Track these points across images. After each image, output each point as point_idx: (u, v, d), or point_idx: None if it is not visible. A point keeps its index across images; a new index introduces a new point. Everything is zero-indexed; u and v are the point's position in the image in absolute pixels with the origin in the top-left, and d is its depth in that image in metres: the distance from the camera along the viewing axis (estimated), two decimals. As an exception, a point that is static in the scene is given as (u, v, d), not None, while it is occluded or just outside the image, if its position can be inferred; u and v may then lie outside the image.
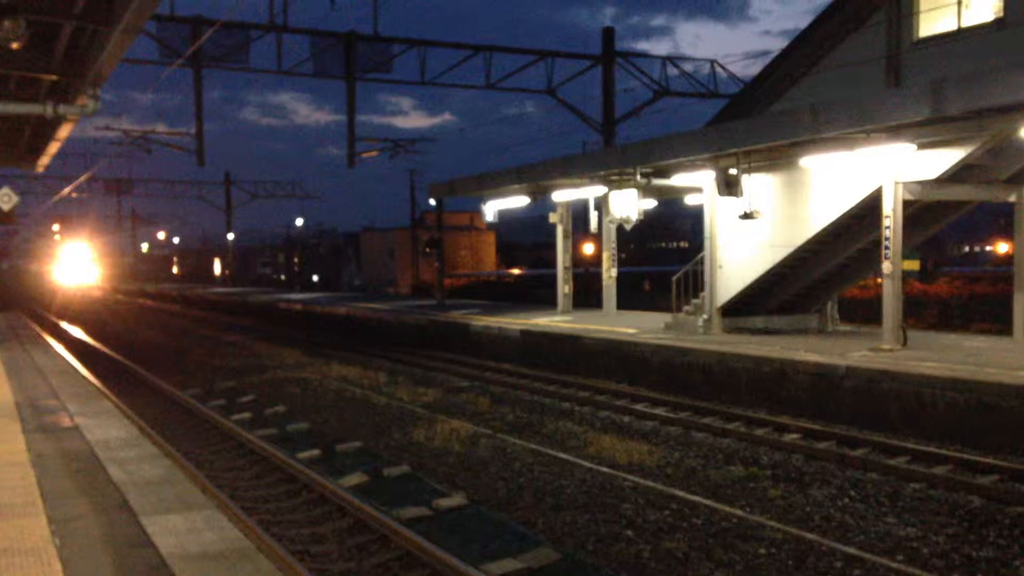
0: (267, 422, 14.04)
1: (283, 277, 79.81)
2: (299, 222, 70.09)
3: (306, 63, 24.32)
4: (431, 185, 28.71)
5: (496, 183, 24.94)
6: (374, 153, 26.95)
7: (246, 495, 9.58)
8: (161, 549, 5.52)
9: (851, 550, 7.76)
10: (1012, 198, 16.58)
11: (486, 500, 9.44)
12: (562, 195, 24.07)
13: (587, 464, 10.82)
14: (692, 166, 18.83)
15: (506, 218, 27.78)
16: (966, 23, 18.97)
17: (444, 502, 9.15)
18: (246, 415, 14.57)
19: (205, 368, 21.04)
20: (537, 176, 23.10)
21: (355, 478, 10.17)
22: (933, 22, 19.44)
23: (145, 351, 24.41)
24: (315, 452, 11.62)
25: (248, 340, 27.73)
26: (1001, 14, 18.09)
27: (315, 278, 75.60)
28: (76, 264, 57.03)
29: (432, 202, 29.61)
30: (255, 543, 7.14)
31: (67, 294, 49.07)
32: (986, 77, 12.82)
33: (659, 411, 14.45)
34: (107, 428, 9.41)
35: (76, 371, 15.06)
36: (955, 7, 19.03)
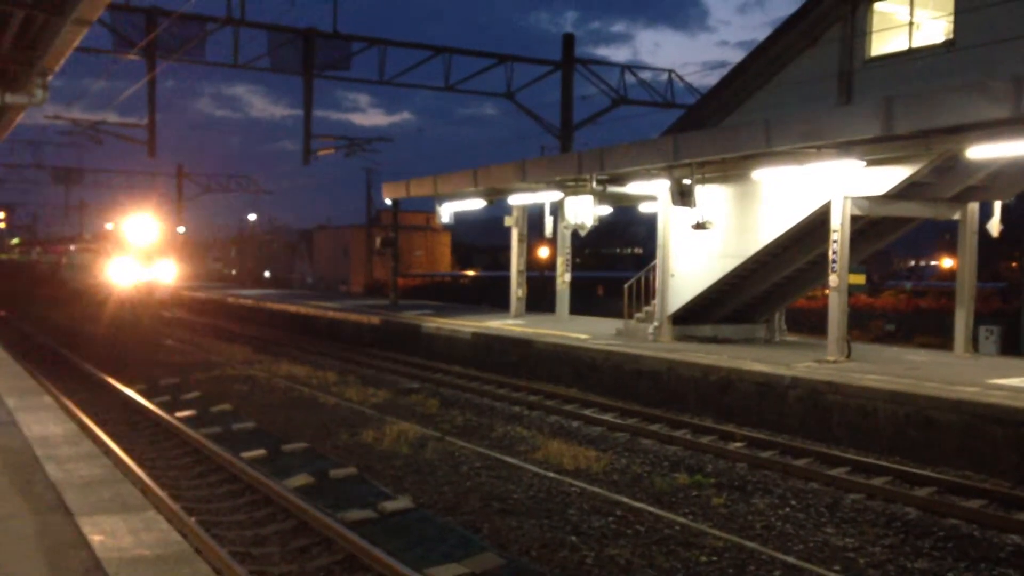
0: (212, 420, 13.85)
1: (234, 272, 78.80)
2: (252, 217, 69.28)
3: (263, 58, 24.04)
4: (386, 184, 28.57)
5: (452, 185, 24.91)
6: (330, 151, 26.72)
7: (188, 495, 9.45)
8: (97, 551, 5.42)
9: (790, 559, 7.89)
10: (956, 216, 17.00)
11: (432, 504, 9.42)
12: (518, 199, 24.11)
13: (534, 469, 10.85)
14: (647, 175, 19.00)
15: (463, 219, 27.72)
16: (918, 43, 19.40)
17: (390, 505, 9.11)
18: (190, 412, 14.36)
19: (150, 363, 20.69)
20: (493, 179, 23.11)
21: (300, 479, 10.08)
22: (885, 42, 19.85)
23: (87, 345, 23.94)
24: (260, 452, 11.49)
25: (195, 335, 27.32)
26: (952, 36, 18.54)
27: (267, 274, 74.76)
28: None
29: (388, 201, 29.42)
30: (194, 545, 7.04)
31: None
32: (934, 98, 13.13)
33: (608, 417, 14.55)
34: (46, 424, 9.21)
35: (11, 362, 14.71)
36: (907, 28, 19.46)
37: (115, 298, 31.57)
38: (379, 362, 21.56)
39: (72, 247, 44.89)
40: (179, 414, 13.91)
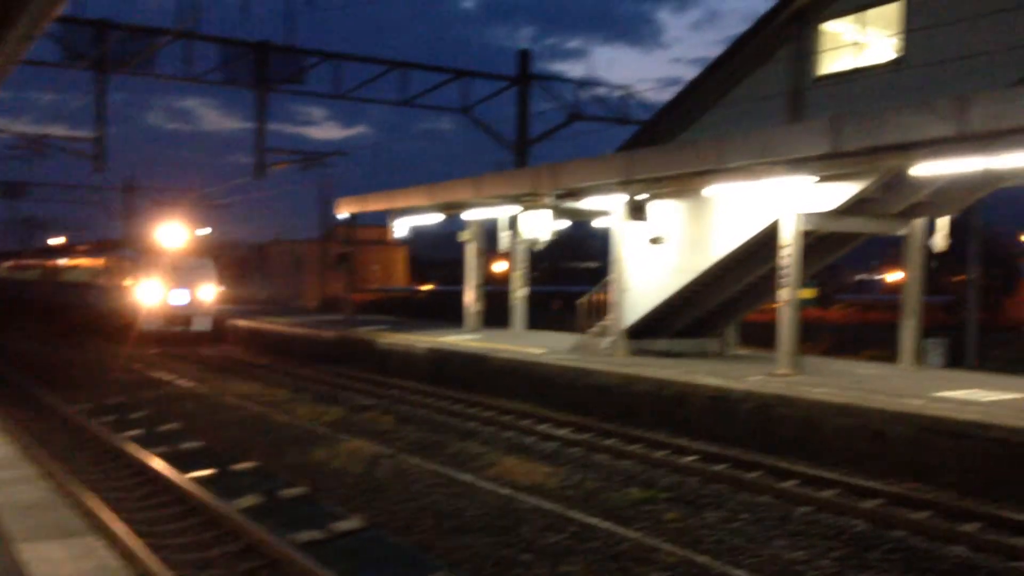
0: (160, 440, 13.58)
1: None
2: (205, 231, 68.14)
3: (216, 71, 23.79)
4: (341, 199, 28.39)
5: (408, 200, 24.83)
6: (284, 165, 26.52)
7: (132, 517, 9.23)
8: (33, 578, 5.26)
9: (741, 573, 7.92)
10: (903, 231, 17.33)
11: (385, 523, 9.32)
12: (474, 214, 24.11)
13: (489, 486, 10.79)
14: (602, 190, 19.10)
15: (420, 233, 27.64)
16: (867, 62, 19.79)
17: (341, 525, 8.99)
18: (137, 432, 14.06)
19: (96, 381, 20.26)
20: (449, 194, 23.09)
21: (249, 499, 9.90)
22: (835, 60, 20.22)
23: (31, 362, 23.39)
24: (209, 472, 11.28)
25: (142, 352, 26.83)
26: (900, 55, 18.94)
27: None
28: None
29: (343, 216, 29.22)
30: (138, 570, 6.88)
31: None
32: (881, 116, 13.39)
33: (562, 432, 14.54)
34: (-15, 445, 8.95)
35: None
36: (856, 47, 19.86)
37: (137, 330, 26.58)
38: (333, 378, 21.35)
39: (61, 261, 38.75)
40: (125, 434, 13.63)
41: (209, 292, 28.75)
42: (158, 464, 11.03)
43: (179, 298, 28.50)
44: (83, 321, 32.22)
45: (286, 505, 9.95)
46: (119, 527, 8.17)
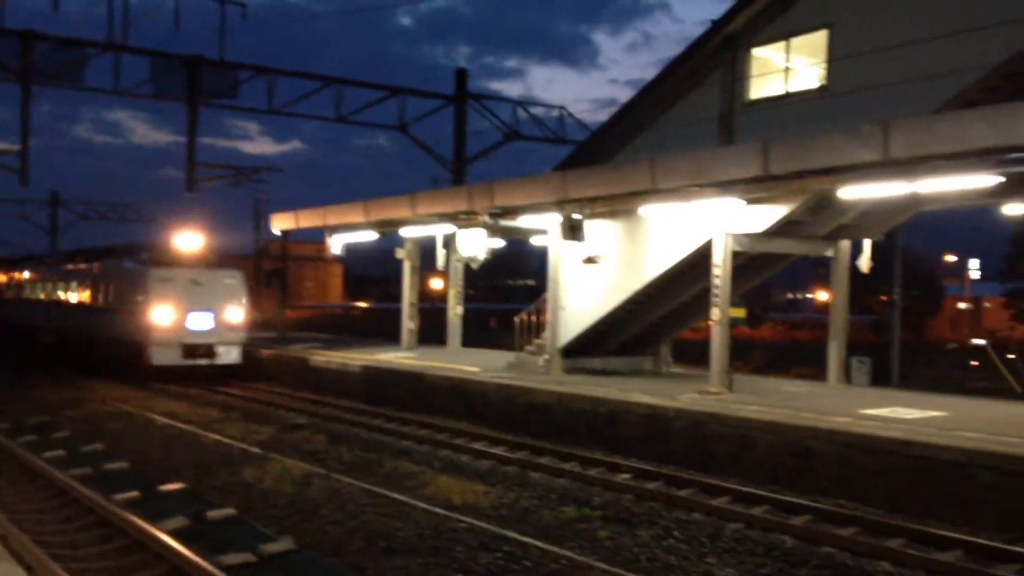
0: (82, 460, 13.17)
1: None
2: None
3: (146, 84, 23.33)
4: (275, 215, 28.04)
5: (342, 216, 24.62)
6: (215, 180, 26.07)
7: (53, 541, 8.92)
8: (-56, 606, 5.04)
9: (673, 591, 7.99)
10: (830, 252, 17.79)
11: (316, 544, 9.17)
12: (410, 231, 24.02)
13: (423, 505, 10.71)
14: (538, 209, 19.21)
15: (356, 250, 27.42)
16: (794, 88, 20.31)
17: (271, 547, 8.82)
18: (59, 452, 13.62)
19: (18, 400, 19.58)
20: (384, 211, 22.97)
21: (176, 521, 9.65)
22: (764, 86, 20.72)
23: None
24: (134, 493, 10.97)
25: (67, 371, 26.02)
26: (825, 82, 19.49)
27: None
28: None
29: (277, 232, 28.84)
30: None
31: None
32: (808, 141, 13.77)
33: (497, 450, 14.52)
34: None
35: None
36: (784, 73, 20.38)
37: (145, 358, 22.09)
38: (264, 396, 20.99)
39: (29, 274, 32.81)
40: (47, 454, 13.19)
41: (238, 314, 23.49)
42: (77, 486, 10.69)
43: (200, 322, 22.93)
44: (62, 351, 27.92)
45: (214, 527, 9.72)
46: (39, 551, 7.89)
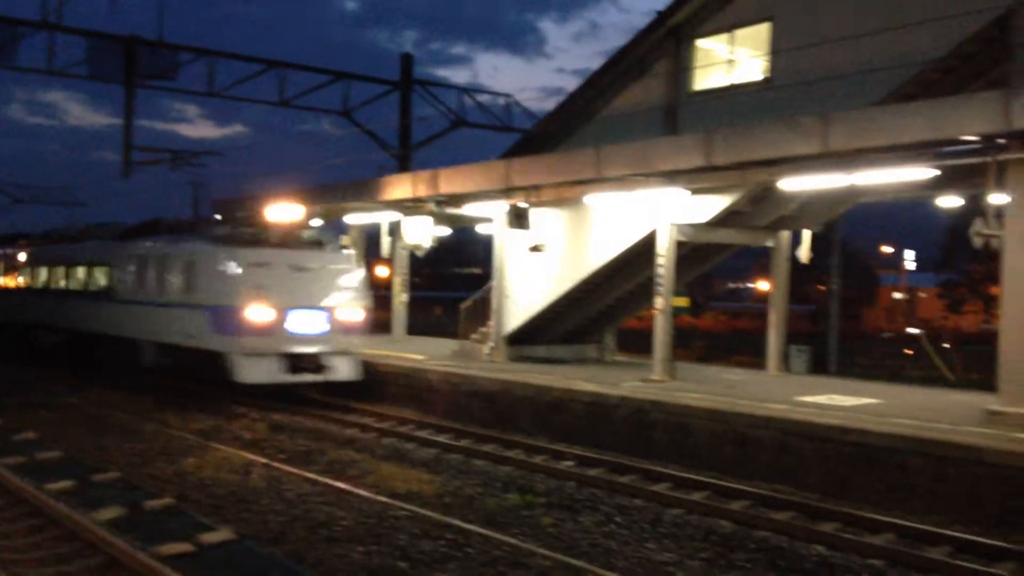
0: (13, 449, 12.81)
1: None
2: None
3: (82, 64, 22.70)
4: (216, 200, 27.55)
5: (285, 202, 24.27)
6: (153, 163, 25.49)
7: (-18, 533, 8.66)
8: None
9: (613, 575, 8.07)
10: (770, 243, 18.09)
11: (256, 534, 9.05)
12: (355, 218, 23.80)
13: (365, 493, 10.64)
14: (484, 197, 19.18)
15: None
16: (738, 80, 20.55)
17: (209, 537, 8.67)
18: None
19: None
20: (330, 198, 22.72)
21: (111, 511, 9.44)
22: (708, 77, 20.92)
23: None
24: (68, 483, 10.71)
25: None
26: (768, 75, 19.75)
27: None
28: None
29: (218, 217, 28.33)
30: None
31: None
32: (749, 133, 13.96)
33: (442, 438, 14.50)
34: None
35: None
36: (727, 65, 20.60)
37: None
38: (203, 387, 20.64)
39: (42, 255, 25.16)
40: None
41: (356, 313, 17.58)
42: (8, 475, 10.40)
43: (307, 324, 16.93)
44: (75, 356, 22.86)
45: (151, 517, 9.53)
46: (-35, 544, 7.65)
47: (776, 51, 19.17)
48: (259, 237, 17.74)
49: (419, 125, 28.55)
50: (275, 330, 16.43)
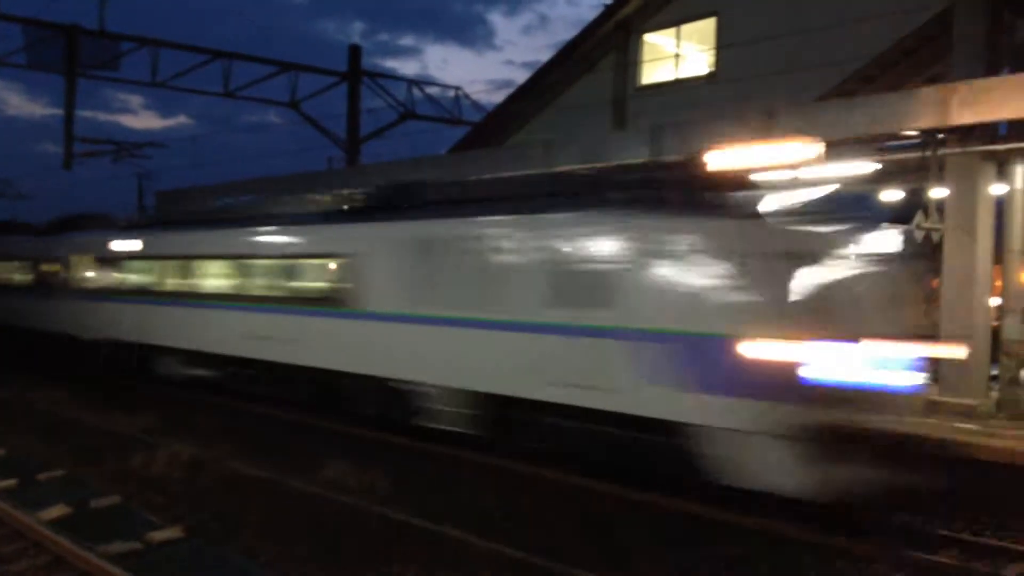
0: (-47, 450, 12.49)
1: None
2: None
3: (19, 53, 22.12)
4: (159, 193, 27.10)
5: (233, 195, 23.99)
6: (95, 155, 24.95)
7: (-79, 534, 8.44)
8: None
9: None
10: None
11: (206, 532, 8.96)
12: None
13: (317, 490, 10.56)
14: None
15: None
16: (685, 74, 20.81)
17: (158, 535, 8.57)
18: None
19: None
20: (277, 191, 22.48)
21: (56, 510, 9.27)
22: (655, 71, 21.16)
23: None
24: (10, 482, 10.48)
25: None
26: (714, 69, 20.04)
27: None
28: None
29: (162, 211, 27.83)
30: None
31: None
32: (696, 126, 14.15)
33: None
34: None
35: None
36: (674, 59, 20.86)
37: None
38: (153, 385, 20.29)
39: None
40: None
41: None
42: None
43: (880, 369, 8.68)
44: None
45: (98, 515, 9.35)
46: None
47: (722, 45, 19.48)
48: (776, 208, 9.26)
49: (368, 117, 28.39)
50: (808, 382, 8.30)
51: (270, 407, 15.98)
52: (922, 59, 16.29)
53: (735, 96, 17.77)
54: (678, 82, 20.71)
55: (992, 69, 13.36)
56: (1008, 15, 14.23)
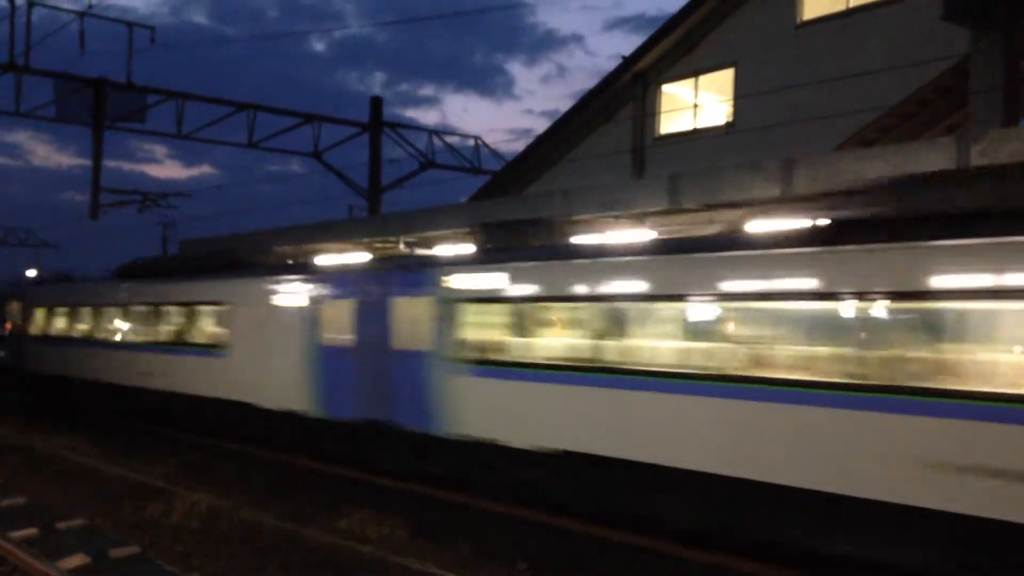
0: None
1: None
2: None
3: (49, 106, 22.61)
4: (184, 242, 27.40)
5: (254, 244, 24.22)
6: (120, 205, 25.32)
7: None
8: None
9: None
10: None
11: None
12: (325, 260, 23.73)
13: (335, 539, 10.52)
14: (454, 238, 19.27)
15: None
16: (702, 124, 20.98)
17: None
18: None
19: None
20: (299, 239, 22.69)
21: (76, 559, 9.29)
22: (673, 120, 21.34)
23: None
24: (31, 531, 10.52)
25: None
26: (731, 119, 20.20)
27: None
28: None
29: (185, 259, 28.11)
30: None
31: None
32: (715, 176, 14.22)
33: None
34: None
35: None
36: (692, 109, 21.05)
37: None
38: (170, 431, 20.38)
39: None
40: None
41: None
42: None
43: None
44: None
45: (118, 565, 9.37)
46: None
47: (739, 96, 19.65)
48: None
49: (389, 166, 28.70)
50: None
51: (288, 454, 15.99)
52: (938, 109, 16.34)
53: (752, 146, 17.89)
54: (696, 131, 20.87)
55: (1010, 119, 13.39)
56: (1024, 65, 14.29)
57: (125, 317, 20.92)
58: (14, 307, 25.19)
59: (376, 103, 28.42)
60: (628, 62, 21.76)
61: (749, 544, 9.48)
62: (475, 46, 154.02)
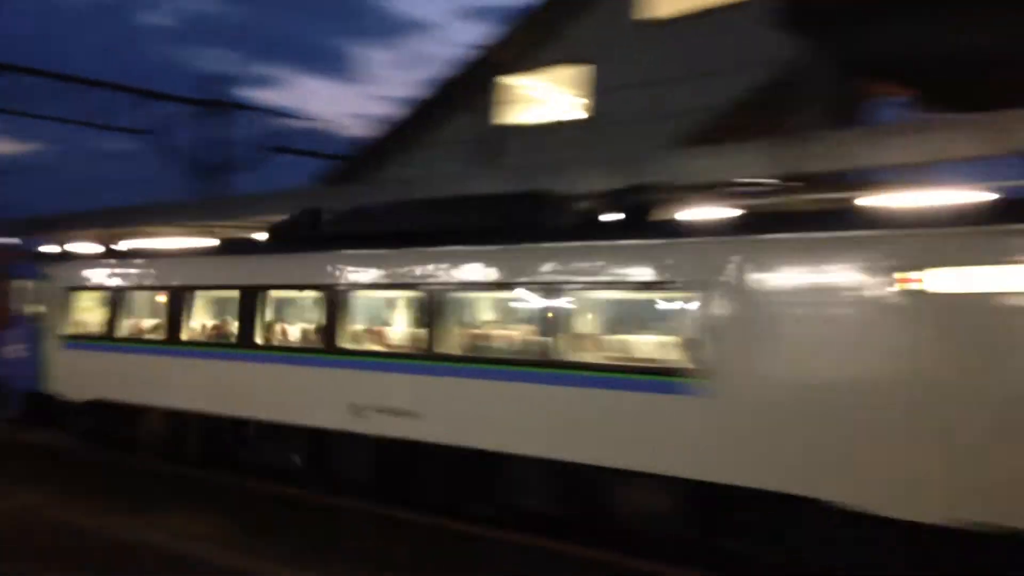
0: None
1: None
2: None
3: None
4: (5, 221, 25.59)
5: (87, 224, 22.91)
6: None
7: None
8: None
9: None
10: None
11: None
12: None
13: None
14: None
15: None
16: (552, 116, 21.30)
17: None
18: None
19: None
20: (135, 219, 21.64)
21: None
22: (524, 112, 21.57)
23: None
24: None
25: None
26: (587, 113, 20.57)
27: None
28: None
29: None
30: None
31: None
32: (568, 168, 14.43)
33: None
34: None
35: None
36: (542, 101, 21.35)
37: None
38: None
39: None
40: None
41: None
42: None
43: None
44: None
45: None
46: None
47: (593, 92, 20.04)
48: None
49: (234, 148, 27.79)
50: None
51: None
52: (783, 107, 17.06)
53: (611, 138, 18.16)
54: (546, 123, 21.17)
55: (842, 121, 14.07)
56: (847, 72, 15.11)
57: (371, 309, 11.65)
58: (29, 292, 15.68)
59: (220, 81, 27.47)
60: (482, 52, 21.83)
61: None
62: (327, 29, 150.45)
